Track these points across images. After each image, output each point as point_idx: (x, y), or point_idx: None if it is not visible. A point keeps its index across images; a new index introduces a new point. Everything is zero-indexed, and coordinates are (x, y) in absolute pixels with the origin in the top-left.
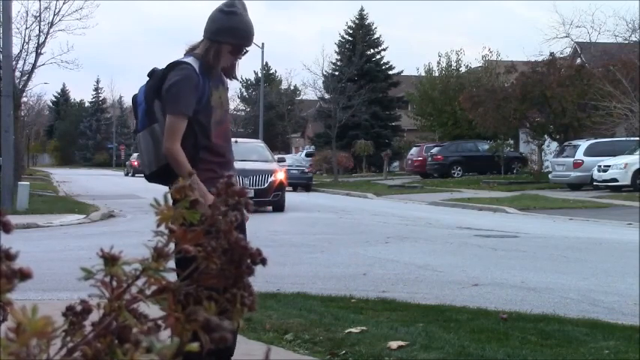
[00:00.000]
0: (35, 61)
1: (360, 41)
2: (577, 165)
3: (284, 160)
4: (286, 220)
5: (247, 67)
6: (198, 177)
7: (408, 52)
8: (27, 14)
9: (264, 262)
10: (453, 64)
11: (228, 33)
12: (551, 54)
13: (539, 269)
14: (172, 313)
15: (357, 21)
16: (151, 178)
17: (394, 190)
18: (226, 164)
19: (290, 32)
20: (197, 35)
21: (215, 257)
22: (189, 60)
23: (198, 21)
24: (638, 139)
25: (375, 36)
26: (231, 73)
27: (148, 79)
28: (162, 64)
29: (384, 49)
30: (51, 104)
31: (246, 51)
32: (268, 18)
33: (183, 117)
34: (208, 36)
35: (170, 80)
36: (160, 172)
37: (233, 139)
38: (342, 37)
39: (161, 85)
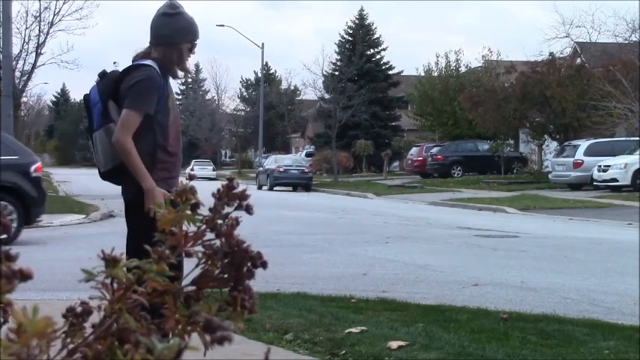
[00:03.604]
0: (35, 61)
1: (360, 41)
2: (577, 165)
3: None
4: (286, 220)
5: (247, 67)
6: (154, 176)
7: (408, 52)
8: (27, 14)
9: (264, 265)
10: (452, 64)
11: (185, 33)
12: (551, 54)
13: (539, 269)
14: (172, 315)
15: (356, 21)
16: (104, 177)
17: (394, 190)
18: (178, 164)
19: (289, 32)
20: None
21: (216, 260)
22: (150, 63)
23: (197, 21)
24: (638, 139)
25: (375, 36)
26: (186, 69)
27: (98, 79)
28: None
29: (383, 49)
30: (51, 104)
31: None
32: (267, 18)
33: (141, 114)
34: (165, 41)
35: (135, 78)
36: (114, 171)
37: None
38: (342, 37)
39: (117, 86)
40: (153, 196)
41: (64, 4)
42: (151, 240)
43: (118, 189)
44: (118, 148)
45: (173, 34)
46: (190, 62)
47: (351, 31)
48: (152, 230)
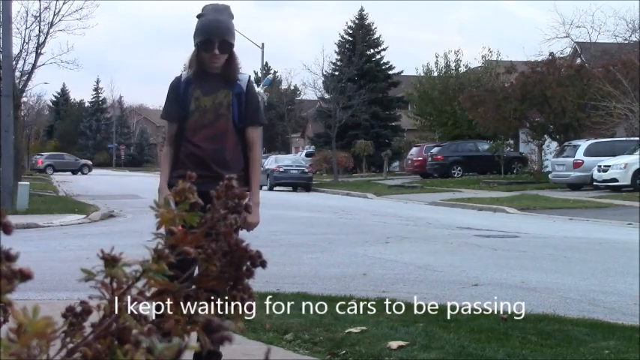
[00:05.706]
0: (35, 61)
1: (360, 41)
2: (577, 165)
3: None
4: (286, 220)
5: (247, 67)
6: (174, 173)
7: (408, 52)
8: (27, 14)
9: (264, 264)
10: (452, 64)
11: (196, 34)
12: (551, 54)
13: (539, 269)
14: (172, 315)
15: (356, 21)
16: None
17: (394, 190)
18: (203, 164)
19: (289, 32)
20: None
21: (215, 259)
22: (184, 72)
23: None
24: (638, 139)
25: (375, 36)
26: (227, 73)
27: None
28: (161, 65)
29: (383, 49)
30: (51, 104)
31: (224, 43)
32: (267, 18)
33: (166, 121)
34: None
35: None
36: None
37: None
38: (342, 37)
39: None
40: (160, 195)
41: (64, 4)
42: None
43: (117, 189)
44: None
45: (193, 38)
46: (217, 60)
47: (351, 31)
48: None
